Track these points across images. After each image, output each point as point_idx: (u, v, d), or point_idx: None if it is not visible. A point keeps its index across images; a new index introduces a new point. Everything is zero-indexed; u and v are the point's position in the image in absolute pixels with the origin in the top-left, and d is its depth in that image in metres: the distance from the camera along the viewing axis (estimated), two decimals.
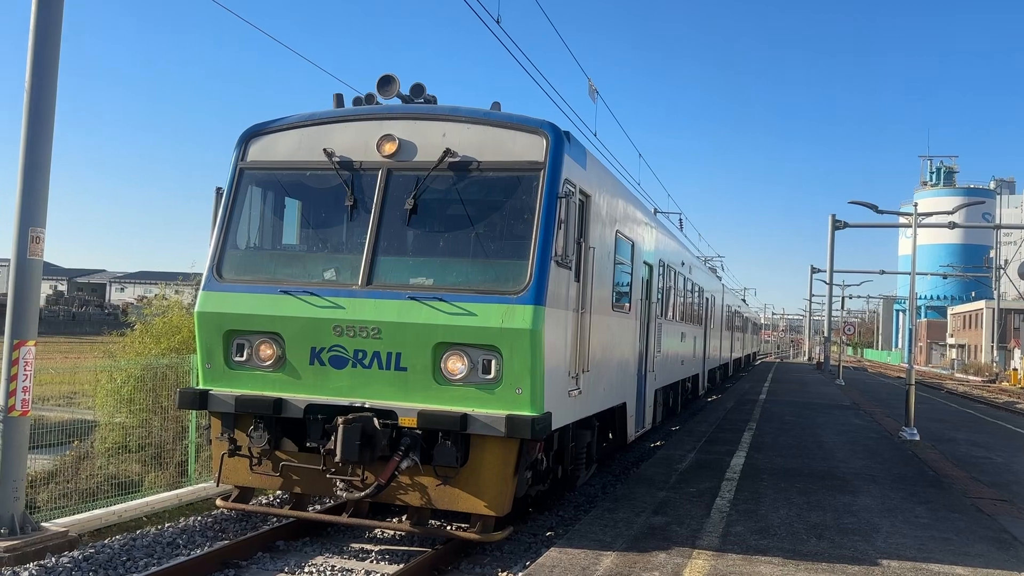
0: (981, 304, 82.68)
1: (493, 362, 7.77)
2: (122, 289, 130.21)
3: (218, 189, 9.02)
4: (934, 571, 7.24)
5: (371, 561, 8.28)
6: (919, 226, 19.46)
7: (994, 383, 58.36)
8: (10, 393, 8.38)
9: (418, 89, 9.09)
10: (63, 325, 74.03)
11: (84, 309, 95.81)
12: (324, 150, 8.63)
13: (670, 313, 16.54)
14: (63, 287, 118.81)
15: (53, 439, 11.38)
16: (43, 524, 8.62)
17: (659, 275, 14.72)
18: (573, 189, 8.48)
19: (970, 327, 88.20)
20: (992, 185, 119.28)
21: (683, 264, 18.33)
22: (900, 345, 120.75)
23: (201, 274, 9.00)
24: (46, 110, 8.64)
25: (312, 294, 8.22)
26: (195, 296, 19.60)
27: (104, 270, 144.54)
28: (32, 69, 8.56)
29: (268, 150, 8.98)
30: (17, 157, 8.59)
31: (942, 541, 8.30)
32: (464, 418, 7.61)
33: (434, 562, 8.05)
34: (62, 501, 10.84)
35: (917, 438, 16.23)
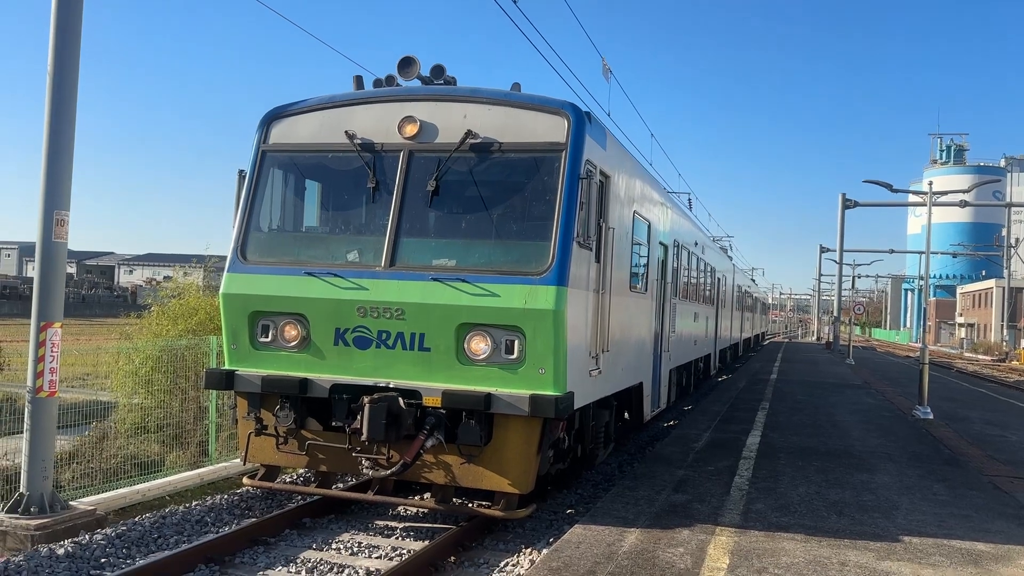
0: (991, 283, 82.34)
1: (516, 342, 7.84)
2: (131, 271, 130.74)
3: (241, 172, 9.07)
4: (956, 547, 7.32)
5: (396, 538, 8.41)
6: (934, 205, 19.39)
7: (1004, 362, 58.27)
8: (38, 374, 8.51)
9: (438, 70, 9.10)
10: (73, 307, 74.28)
11: (93, 291, 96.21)
12: (346, 132, 8.66)
13: (684, 293, 16.58)
14: (72, 269, 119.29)
15: (70, 420, 11.52)
16: (71, 503, 8.78)
17: (674, 255, 14.75)
18: (594, 170, 8.50)
19: (980, 306, 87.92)
20: (1002, 163, 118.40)
21: (696, 244, 18.34)
22: (908, 324, 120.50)
23: (215, 256, 9.08)
24: (68, 96, 8.69)
25: (336, 275, 8.28)
26: (203, 277, 19.73)
27: (113, 252, 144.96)
28: (54, 56, 8.62)
29: (289, 132, 9.02)
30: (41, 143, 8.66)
31: (962, 518, 8.37)
32: (488, 398, 7.69)
33: (459, 539, 8.17)
34: (84, 480, 10.99)
35: (931, 417, 16.29)
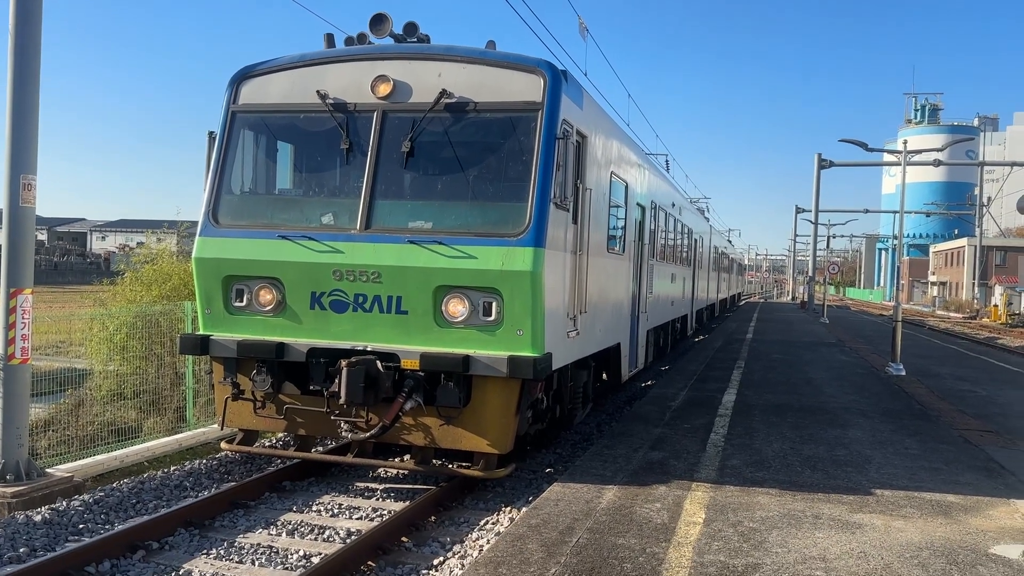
0: (963, 242, 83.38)
1: (494, 304, 7.82)
2: (103, 238, 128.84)
3: (210, 133, 8.91)
4: (926, 499, 7.48)
5: (377, 499, 8.46)
6: (908, 164, 19.50)
7: (975, 319, 59.28)
8: (9, 341, 8.39)
9: (411, 28, 8.94)
10: (45, 275, 73.28)
11: (66, 258, 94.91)
12: (317, 92, 8.51)
13: (661, 255, 16.62)
14: (43, 236, 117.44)
15: (45, 388, 11.43)
16: (47, 470, 8.72)
17: (651, 217, 14.75)
18: (571, 130, 8.43)
19: (952, 264, 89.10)
20: (976, 122, 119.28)
21: (673, 205, 18.34)
22: (882, 283, 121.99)
23: (187, 221, 8.96)
24: (31, 56, 8.47)
25: (310, 239, 8.19)
26: (176, 242, 19.50)
27: (84, 218, 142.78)
28: (15, 13, 8.35)
29: (260, 92, 8.85)
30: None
31: (932, 471, 8.55)
32: (466, 360, 7.70)
33: (439, 499, 8.23)
34: (61, 448, 10.93)
35: (903, 373, 16.56)
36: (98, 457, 9.80)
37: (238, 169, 8.96)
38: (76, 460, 9.63)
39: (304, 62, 8.76)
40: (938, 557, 5.96)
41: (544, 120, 7.98)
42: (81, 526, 7.35)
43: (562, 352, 8.65)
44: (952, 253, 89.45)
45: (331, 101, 8.47)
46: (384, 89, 8.35)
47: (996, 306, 58.30)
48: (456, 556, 6.91)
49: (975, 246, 74.60)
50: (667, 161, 32.50)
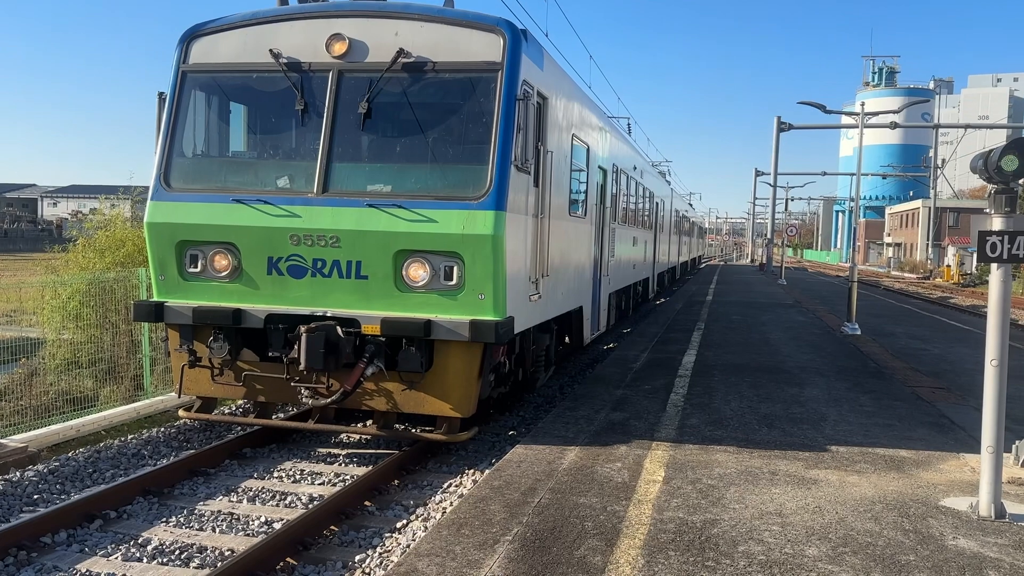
0: (918, 203, 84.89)
1: (455, 268, 7.77)
2: (55, 204, 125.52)
3: (160, 94, 8.64)
4: (880, 455, 7.67)
5: (339, 464, 8.43)
6: (865, 126, 19.70)
7: (928, 279, 60.65)
8: None
9: None
10: None
11: (16, 225, 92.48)
12: (270, 51, 8.29)
13: (623, 218, 16.65)
14: None
15: None
16: (0, 441, 8.54)
17: (612, 180, 14.73)
18: (531, 91, 8.33)
19: (907, 226, 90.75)
20: (931, 85, 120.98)
21: (635, 169, 18.34)
22: (839, 245, 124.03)
23: (140, 187, 8.72)
24: None
25: (266, 202, 8.03)
26: (130, 208, 19.04)
27: (35, 184, 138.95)
28: None
29: (211, 51, 8.59)
30: None
31: (886, 427, 8.76)
32: (428, 324, 7.65)
33: (402, 463, 8.23)
34: (15, 418, 10.71)
35: (858, 332, 16.89)
36: (53, 427, 9.61)
37: (190, 131, 8.73)
38: (30, 430, 9.43)
39: (256, 20, 8.51)
40: (890, 510, 6.12)
41: (504, 81, 7.87)
42: (36, 496, 7.23)
43: (524, 316, 8.64)
44: (907, 215, 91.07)
45: (285, 60, 8.26)
46: (339, 48, 8.15)
47: (949, 266, 59.66)
48: (419, 519, 6.94)
49: (929, 207, 76.02)
50: (629, 124, 32.44)
